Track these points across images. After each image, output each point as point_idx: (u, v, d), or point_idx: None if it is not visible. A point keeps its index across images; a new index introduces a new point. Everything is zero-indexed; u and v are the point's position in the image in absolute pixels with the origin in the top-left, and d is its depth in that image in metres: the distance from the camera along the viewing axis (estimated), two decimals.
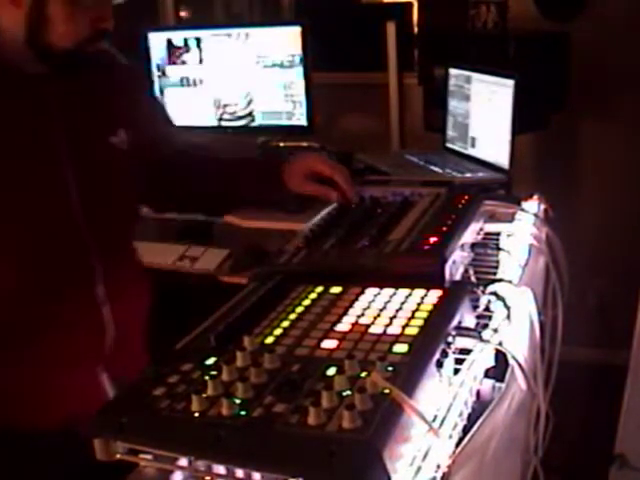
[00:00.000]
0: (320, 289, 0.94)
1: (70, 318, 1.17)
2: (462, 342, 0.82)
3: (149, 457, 0.69)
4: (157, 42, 2.67)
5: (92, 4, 1.11)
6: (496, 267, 1.08)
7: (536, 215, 1.24)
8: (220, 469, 0.67)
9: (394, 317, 0.84)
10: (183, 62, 2.65)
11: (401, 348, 0.77)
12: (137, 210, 1.36)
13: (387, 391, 0.67)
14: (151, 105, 1.46)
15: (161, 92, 2.71)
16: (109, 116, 1.25)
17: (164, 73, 2.69)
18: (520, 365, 0.84)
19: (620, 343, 2.16)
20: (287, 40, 2.49)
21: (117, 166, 1.25)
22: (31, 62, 1.13)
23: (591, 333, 2.86)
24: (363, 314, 0.86)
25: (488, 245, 1.13)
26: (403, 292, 0.90)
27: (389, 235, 1.07)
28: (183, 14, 3.43)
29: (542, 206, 1.32)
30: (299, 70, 2.49)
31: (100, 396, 1.18)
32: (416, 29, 2.97)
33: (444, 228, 1.06)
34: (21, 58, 1.12)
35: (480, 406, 0.82)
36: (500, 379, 0.87)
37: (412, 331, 0.80)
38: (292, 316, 0.87)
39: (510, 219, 1.22)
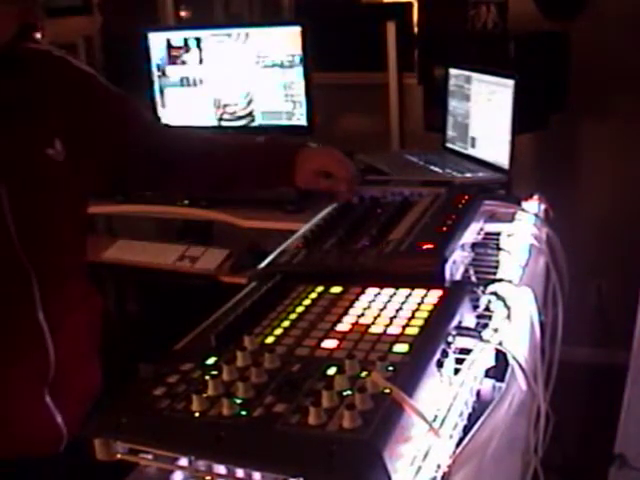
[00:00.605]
0: (320, 289, 0.94)
1: (11, 343, 1.10)
2: (462, 342, 0.82)
3: (149, 457, 0.69)
4: (157, 42, 2.67)
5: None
6: (496, 267, 1.08)
7: (536, 215, 1.24)
8: (220, 469, 0.67)
9: (394, 317, 0.84)
10: (183, 62, 2.65)
11: (401, 348, 0.77)
12: (81, 228, 1.24)
13: (387, 391, 0.67)
14: (112, 102, 1.30)
15: (161, 92, 2.71)
16: (44, 125, 1.14)
17: (164, 73, 2.69)
18: (520, 365, 0.84)
19: (620, 343, 2.16)
20: (287, 40, 2.49)
21: (54, 180, 1.14)
22: None
23: (591, 333, 2.86)
24: (363, 314, 0.86)
25: (488, 245, 1.13)
26: (403, 292, 0.90)
27: (389, 235, 1.07)
28: (183, 14, 3.43)
29: (542, 206, 1.32)
30: (299, 70, 2.49)
31: (47, 420, 1.14)
32: (416, 29, 2.96)
33: (444, 228, 1.06)
34: None
35: (480, 406, 0.82)
36: (500, 379, 0.87)
37: (412, 331, 0.80)
38: (292, 316, 0.87)
39: (510, 219, 1.22)
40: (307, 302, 0.91)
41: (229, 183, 1.39)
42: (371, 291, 0.92)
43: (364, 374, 0.71)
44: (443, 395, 0.76)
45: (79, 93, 1.22)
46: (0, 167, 1.06)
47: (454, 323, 0.83)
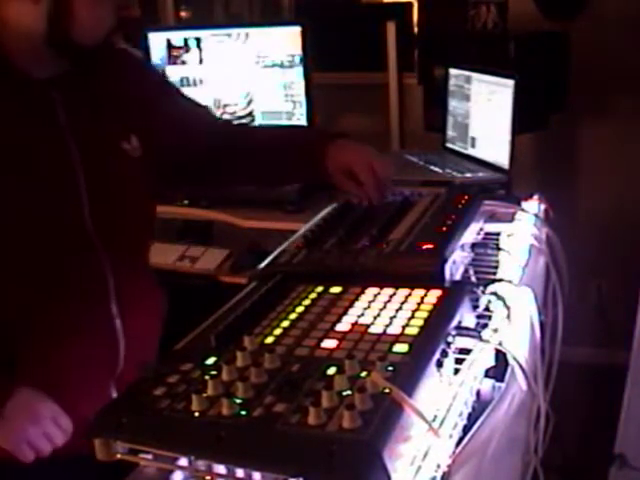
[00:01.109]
0: (320, 289, 0.94)
1: (85, 333, 1.11)
2: (462, 342, 0.82)
3: (149, 457, 0.69)
4: (157, 42, 2.67)
5: None
6: (496, 267, 1.08)
7: (536, 215, 1.24)
8: (220, 469, 0.67)
9: (394, 317, 0.84)
10: (183, 62, 2.65)
11: (401, 348, 0.77)
12: (151, 222, 1.27)
13: (387, 391, 0.67)
14: (175, 98, 1.33)
15: None
16: (120, 121, 1.17)
17: (164, 73, 2.69)
18: (520, 365, 0.84)
19: (620, 343, 2.16)
20: (287, 40, 2.49)
21: (129, 175, 1.17)
22: (42, 63, 1.06)
23: (591, 333, 2.86)
24: (363, 314, 0.86)
25: (488, 245, 1.13)
26: (403, 292, 0.90)
27: (389, 235, 1.07)
28: (183, 14, 3.43)
29: (542, 206, 1.32)
30: (299, 70, 2.49)
31: None
32: (416, 29, 2.96)
33: (444, 228, 1.06)
34: (31, 60, 1.05)
35: (480, 406, 0.82)
36: (500, 379, 0.87)
37: (412, 331, 0.80)
38: (292, 316, 0.87)
39: (510, 219, 1.22)
40: (307, 302, 0.91)
41: (272, 176, 1.37)
42: (371, 291, 0.92)
43: (364, 374, 0.71)
44: (443, 395, 0.76)
45: (152, 90, 1.26)
46: (79, 159, 1.09)
47: (454, 323, 0.83)
